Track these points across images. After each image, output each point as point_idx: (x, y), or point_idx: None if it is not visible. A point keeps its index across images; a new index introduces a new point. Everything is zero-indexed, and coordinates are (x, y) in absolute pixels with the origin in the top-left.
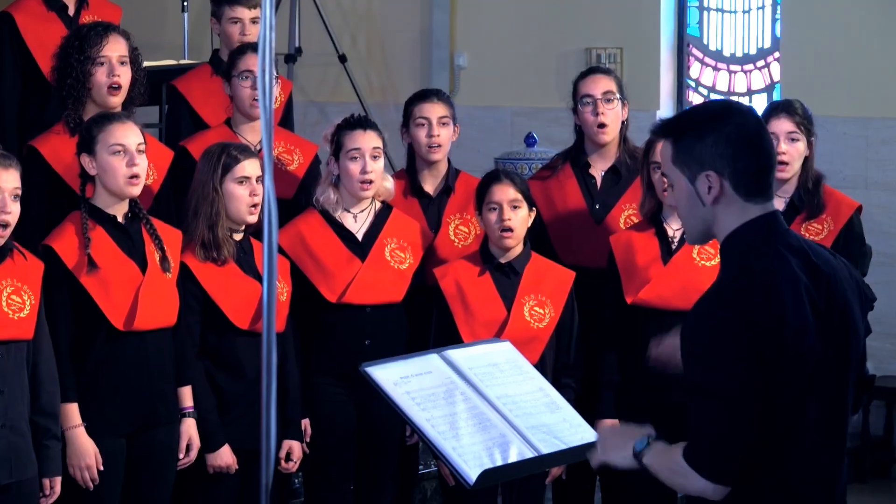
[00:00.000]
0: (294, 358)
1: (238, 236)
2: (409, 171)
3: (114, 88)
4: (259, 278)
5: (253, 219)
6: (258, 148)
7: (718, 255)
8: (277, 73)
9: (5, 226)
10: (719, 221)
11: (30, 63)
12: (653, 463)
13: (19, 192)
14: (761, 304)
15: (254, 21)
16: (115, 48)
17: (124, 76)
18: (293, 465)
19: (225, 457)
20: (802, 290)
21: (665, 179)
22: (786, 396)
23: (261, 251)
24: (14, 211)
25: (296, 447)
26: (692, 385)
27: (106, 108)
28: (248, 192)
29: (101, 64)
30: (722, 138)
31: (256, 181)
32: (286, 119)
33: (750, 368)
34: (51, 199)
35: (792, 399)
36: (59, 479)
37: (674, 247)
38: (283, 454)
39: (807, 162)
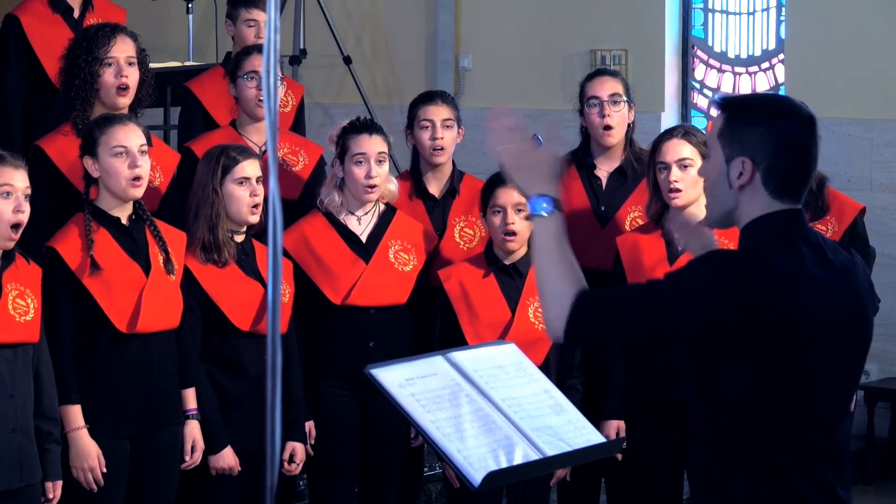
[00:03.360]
0: (297, 359)
1: (239, 238)
2: (413, 173)
3: (122, 89)
4: (260, 280)
5: (255, 218)
6: (263, 149)
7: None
8: (283, 75)
9: (18, 226)
10: (742, 209)
11: (35, 65)
12: (543, 238)
13: (29, 191)
14: (760, 284)
15: None
16: (122, 49)
17: (132, 77)
18: (296, 468)
19: (227, 458)
20: (812, 286)
21: (679, 179)
22: (782, 390)
23: (262, 253)
24: (26, 210)
25: (299, 449)
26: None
27: (114, 108)
28: (248, 192)
29: (109, 65)
30: (772, 132)
31: (256, 182)
32: (298, 122)
33: (696, 312)
34: (56, 200)
35: (791, 394)
36: (60, 484)
37: (680, 248)
38: (286, 456)
39: None
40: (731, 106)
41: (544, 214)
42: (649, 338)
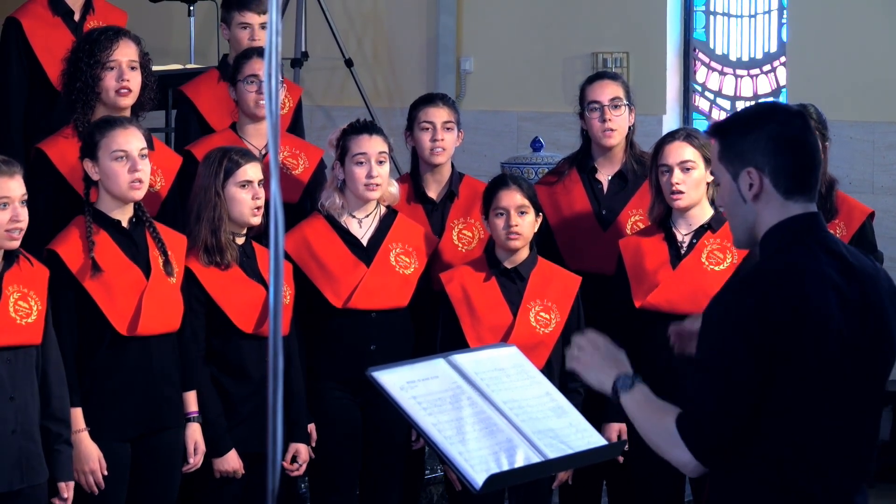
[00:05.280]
0: (298, 360)
1: (240, 240)
2: (412, 176)
3: (123, 91)
4: (262, 282)
5: (257, 220)
6: (264, 152)
7: (728, 260)
8: (283, 78)
9: (18, 231)
10: (760, 219)
11: (35, 68)
12: (633, 410)
13: (26, 197)
14: (780, 294)
15: (263, 26)
16: (125, 52)
17: (134, 81)
18: (299, 469)
19: (231, 461)
20: (830, 289)
21: (681, 181)
22: (797, 394)
23: (263, 255)
24: (24, 217)
25: (302, 450)
26: (697, 361)
27: (116, 109)
28: (250, 195)
29: (111, 68)
30: (763, 135)
31: (258, 185)
32: (296, 124)
33: (753, 359)
34: (57, 203)
35: (805, 398)
36: (72, 484)
37: (682, 251)
38: (288, 457)
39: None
40: (721, 128)
41: (627, 391)
42: (749, 398)
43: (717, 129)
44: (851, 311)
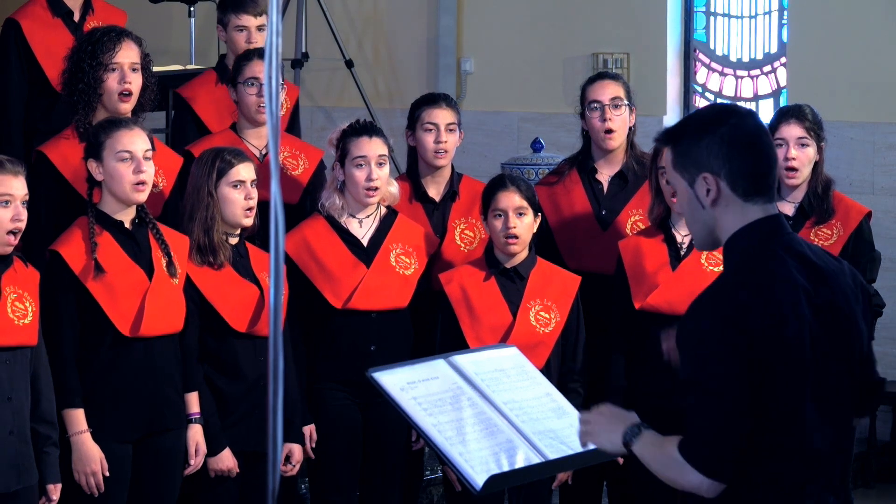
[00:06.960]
0: (292, 360)
1: (234, 240)
2: (411, 176)
3: (124, 95)
4: (256, 282)
5: (248, 222)
6: (264, 153)
7: None
8: (284, 79)
9: (17, 233)
10: (721, 224)
11: (35, 69)
12: (644, 453)
13: (27, 198)
14: (755, 306)
15: (260, 28)
16: (127, 55)
17: (135, 83)
18: (292, 469)
19: (226, 460)
20: (800, 294)
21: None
22: (781, 399)
23: (257, 255)
24: (24, 218)
25: (296, 450)
26: (687, 382)
27: (116, 114)
28: (243, 195)
29: (113, 70)
30: (716, 139)
31: (251, 185)
32: (293, 125)
33: (741, 367)
34: (59, 205)
35: (788, 402)
36: (59, 486)
37: (682, 252)
38: (282, 457)
39: (816, 167)
40: (671, 135)
41: (636, 440)
42: (748, 408)
43: (668, 137)
44: (819, 311)
